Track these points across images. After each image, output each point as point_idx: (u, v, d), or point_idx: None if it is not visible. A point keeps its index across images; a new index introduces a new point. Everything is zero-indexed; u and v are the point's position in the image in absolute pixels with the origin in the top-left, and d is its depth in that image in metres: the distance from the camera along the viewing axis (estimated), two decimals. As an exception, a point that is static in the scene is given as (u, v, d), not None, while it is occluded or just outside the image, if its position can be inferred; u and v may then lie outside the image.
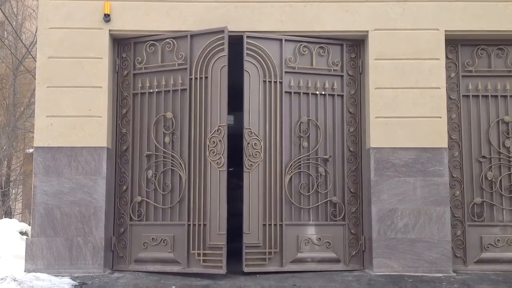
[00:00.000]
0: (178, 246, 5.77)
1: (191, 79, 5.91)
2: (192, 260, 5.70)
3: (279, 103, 5.95)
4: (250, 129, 5.81)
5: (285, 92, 5.98)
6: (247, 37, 5.87)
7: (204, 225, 5.68)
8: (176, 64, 5.99)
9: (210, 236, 5.63)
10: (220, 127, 5.72)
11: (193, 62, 5.92)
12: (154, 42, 6.07)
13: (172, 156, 5.91)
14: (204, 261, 5.64)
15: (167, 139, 5.95)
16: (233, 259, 5.79)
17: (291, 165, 5.92)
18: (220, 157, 5.68)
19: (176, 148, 5.92)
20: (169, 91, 6.01)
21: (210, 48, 5.85)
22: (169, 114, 5.96)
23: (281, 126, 5.93)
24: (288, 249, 5.82)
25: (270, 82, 5.95)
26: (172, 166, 5.92)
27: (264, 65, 5.93)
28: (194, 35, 5.95)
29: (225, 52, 5.76)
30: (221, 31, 5.81)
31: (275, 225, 5.80)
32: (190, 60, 5.93)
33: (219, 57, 5.80)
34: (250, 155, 5.78)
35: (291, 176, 5.91)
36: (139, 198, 5.96)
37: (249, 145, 5.79)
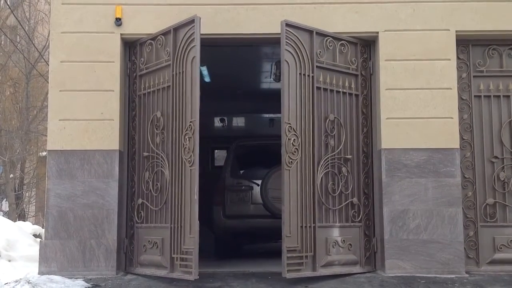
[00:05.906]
0: (165, 249, 5.54)
1: (173, 75, 5.69)
2: (174, 264, 5.42)
3: (311, 98, 5.67)
4: (290, 124, 5.42)
5: (316, 87, 5.74)
6: (286, 25, 5.54)
7: (182, 227, 5.40)
8: (164, 61, 5.83)
9: (184, 239, 5.34)
10: (191, 123, 5.37)
11: (175, 57, 5.70)
12: (151, 41, 5.97)
13: (161, 156, 5.74)
14: (180, 265, 5.34)
15: (158, 139, 5.77)
16: (243, 260, 5.73)
17: (322, 164, 5.68)
18: (191, 155, 5.32)
19: (163, 147, 5.74)
20: (159, 89, 5.86)
21: (185, 40, 5.60)
22: (158, 114, 5.80)
23: (313, 123, 5.65)
24: (319, 252, 5.53)
25: (304, 75, 5.63)
26: (161, 166, 5.73)
27: (300, 57, 5.64)
28: (176, 29, 5.69)
29: (195, 42, 5.44)
30: (191, 21, 5.50)
31: (309, 227, 5.50)
32: (173, 55, 5.69)
33: (190, 48, 5.49)
34: (290, 152, 5.37)
35: (322, 175, 5.69)
36: (140, 200, 5.90)
37: (289, 141, 5.39)
